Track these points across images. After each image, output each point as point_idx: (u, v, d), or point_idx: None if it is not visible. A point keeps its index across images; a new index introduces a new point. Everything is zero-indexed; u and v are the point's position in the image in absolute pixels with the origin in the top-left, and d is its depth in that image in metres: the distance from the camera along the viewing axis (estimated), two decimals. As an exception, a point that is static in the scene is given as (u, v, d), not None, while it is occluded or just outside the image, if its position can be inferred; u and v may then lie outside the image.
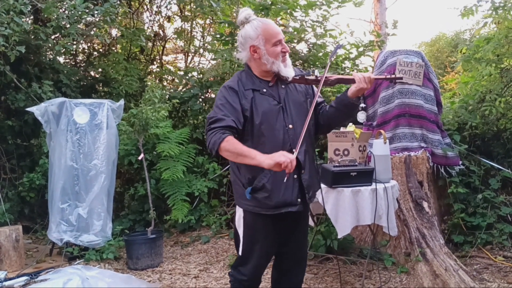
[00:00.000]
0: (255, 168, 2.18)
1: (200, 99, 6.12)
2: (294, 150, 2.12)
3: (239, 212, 2.36)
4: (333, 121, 2.48)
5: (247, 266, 2.38)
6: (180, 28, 7.76)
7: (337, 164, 3.30)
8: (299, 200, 2.29)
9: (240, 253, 2.39)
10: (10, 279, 3.86)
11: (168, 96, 5.92)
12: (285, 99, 2.31)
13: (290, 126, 2.27)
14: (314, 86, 2.47)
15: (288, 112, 2.29)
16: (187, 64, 7.96)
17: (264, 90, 2.29)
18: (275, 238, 2.38)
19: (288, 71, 2.31)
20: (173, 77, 7.66)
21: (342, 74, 5.31)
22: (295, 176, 2.26)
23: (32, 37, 5.38)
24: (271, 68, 2.28)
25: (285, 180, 2.12)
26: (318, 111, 2.45)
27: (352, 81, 2.34)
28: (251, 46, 2.27)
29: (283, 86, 2.34)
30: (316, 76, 2.37)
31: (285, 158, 2.01)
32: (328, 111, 2.44)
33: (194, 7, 7.04)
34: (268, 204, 2.24)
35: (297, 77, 2.34)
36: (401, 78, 2.53)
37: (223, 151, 2.12)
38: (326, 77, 2.34)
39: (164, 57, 8.36)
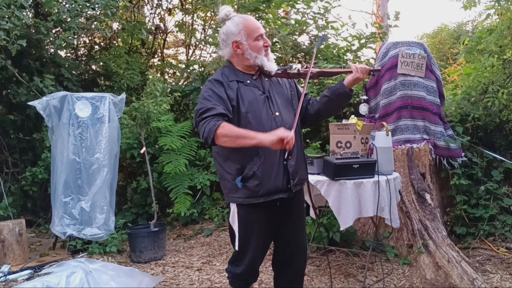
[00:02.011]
0: (243, 157, 2.22)
1: (202, 92, 6.10)
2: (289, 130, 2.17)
3: (233, 208, 2.36)
4: (324, 111, 2.51)
5: (244, 260, 2.39)
6: (181, 21, 7.73)
7: (339, 157, 3.29)
8: (289, 186, 2.32)
9: (236, 248, 2.39)
10: (14, 272, 3.88)
11: (169, 89, 5.91)
12: (269, 90, 2.35)
13: (277, 113, 2.29)
14: (295, 79, 2.51)
15: (274, 101, 2.32)
16: (189, 57, 7.94)
17: (248, 81, 2.32)
18: (270, 228, 2.40)
19: (271, 65, 2.35)
20: (175, 71, 7.65)
21: (343, 67, 5.29)
22: (284, 162, 2.27)
23: (33, 31, 5.37)
24: (254, 62, 2.30)
25: (290, 159, 2.14)
26: (305, 102, 2.49)
27: (331, 74, 2.38)
28: (233, 42, 2.30)
29: (266, 79, 2.38)
30: (298, 70, 2.41)
31: (287, 133, 2.04)
32: (320, 101, 2.47)
33: (195, -1, 7.03)
34: (259, 191, 2.24)
35: (280, 71, 2.38)
36: (379, 70, 2.58)
37: (220, 138, 2.10)
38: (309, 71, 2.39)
39: (165, 51, 8.33)
